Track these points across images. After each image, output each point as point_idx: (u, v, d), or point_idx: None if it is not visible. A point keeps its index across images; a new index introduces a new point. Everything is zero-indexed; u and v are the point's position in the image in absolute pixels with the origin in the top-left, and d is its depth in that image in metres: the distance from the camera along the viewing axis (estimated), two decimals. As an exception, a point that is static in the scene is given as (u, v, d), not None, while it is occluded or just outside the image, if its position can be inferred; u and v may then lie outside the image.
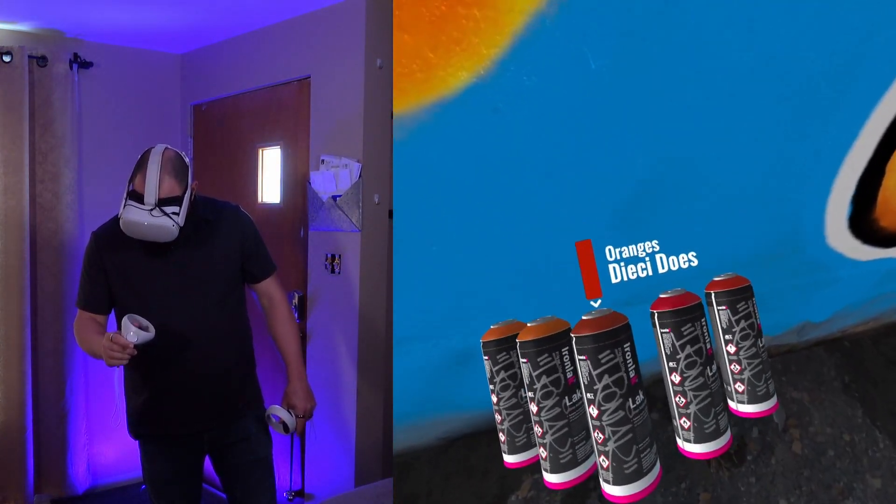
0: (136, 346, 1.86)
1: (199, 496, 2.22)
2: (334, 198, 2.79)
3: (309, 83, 2.97)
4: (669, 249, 1.17)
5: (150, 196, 1.90)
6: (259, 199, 3.33)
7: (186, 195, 1.97)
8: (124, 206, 1.92)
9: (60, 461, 3.49)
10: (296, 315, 3.04)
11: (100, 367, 3.59)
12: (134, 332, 1.87)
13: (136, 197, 1.91)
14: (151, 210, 1.90)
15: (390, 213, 2.83)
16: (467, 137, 1.16)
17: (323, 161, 2.85)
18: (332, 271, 2.86)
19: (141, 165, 1.95)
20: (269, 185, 3.30)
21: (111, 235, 2.04)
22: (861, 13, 1.15)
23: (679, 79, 1.15)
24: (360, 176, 2.71)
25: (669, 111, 1.16)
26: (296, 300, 3.03)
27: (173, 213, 1.92)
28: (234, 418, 2.16)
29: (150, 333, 1.89)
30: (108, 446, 3.67)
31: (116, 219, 1.98)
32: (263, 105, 3.29)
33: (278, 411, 2.16)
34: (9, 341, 3.31)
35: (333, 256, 2.85)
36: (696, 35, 1.15)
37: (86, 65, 3.49)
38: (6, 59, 3.23)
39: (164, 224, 1.91)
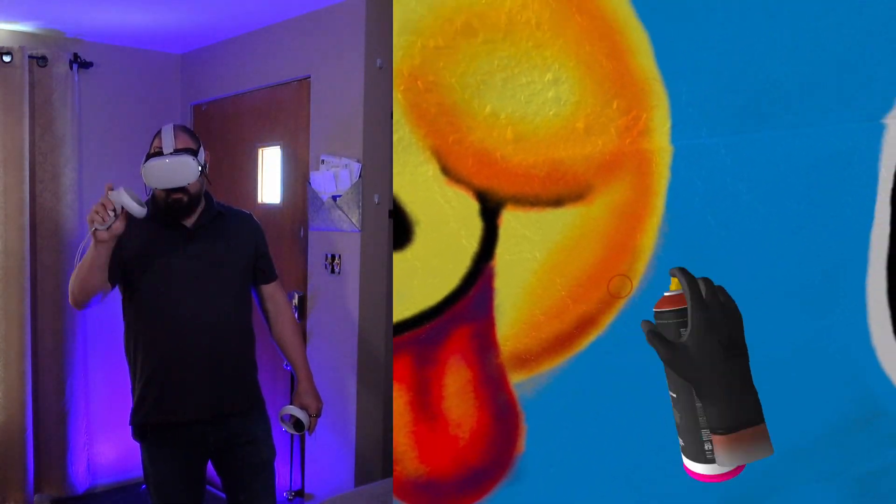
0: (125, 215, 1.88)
1: (202, 499, 2.21)
2: (334, 198, 2.79)
3: (309, 83, 2.97)
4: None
5: (168, 147, 2.00)
6: (259, 199, 3.33)
7: (201, 153, 2.07)
8: (143, 165, 2.00)
9: (60, 461, 3.49)
10: (296, 315, 3.04)
11: (100, 368, 3.60)
12: (125, 191, 1.87)
13: (155, 153, 2.01)
14: (170, 155, 1.99)
15: (390, 213, 2.83)
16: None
17: (323, 161, 2.85)
18: (332, 271, 2.86)
19: (156, 135, 2.06)
20: (269, 185, 3.30)
21: (133, 221, 2.08)
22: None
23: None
24: (360, 176, 2.71)
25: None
26: (296, 300, 3.03)
27: (193, 157, 2.02)
28: (238, 415, 2.16)
29: (142, 208, 1.89)
30: (108, 446, 3.68)
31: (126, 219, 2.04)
32: (263, 105, 3.29)
33: (293, 410, 2.21)
34: (9, 341, 3.31)
35: (333, 256, 2.85)
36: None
37: (86, 65, 3.49)
38: (6, 59, 3.23)
39: (185, 160, 2.00)
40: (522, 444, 1.20)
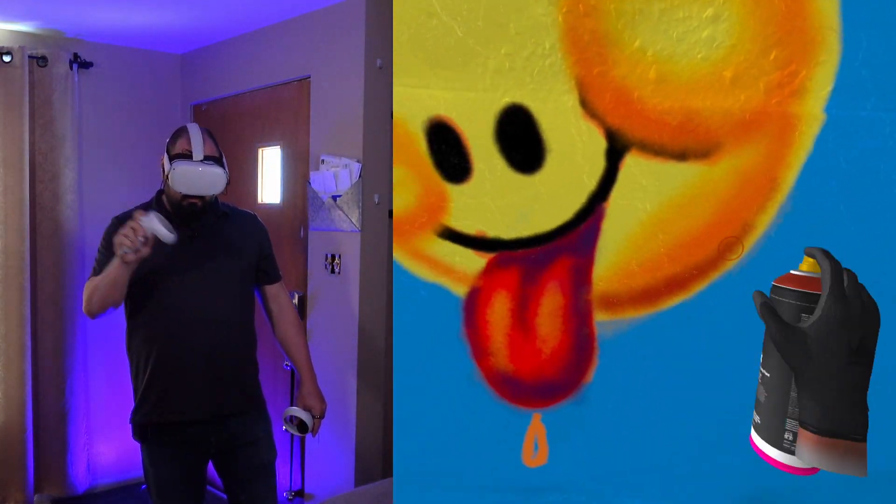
0: (149, 241, 1.88)
1: (202, 500, 2.21)
2: (334, 198, 2.79)
3: (309, 83, 2.97)
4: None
5: (198, 153, 2.02)
6: (259, 199, 3.33)
7: (224, 162, 2.10)
8: (171, 166, 2.01)
9: (60, 461, 3.49)
10: (296, 315, 3.05)
11: (100, 368, 3.60)
12: (157, 218, 1.88)
13: (183, 155, 2.02)
14: (201, 162, 2.02)
15: (390, 213, 2.83)
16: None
17: (323, 161, 2.85)
18: (332, 271, 2.86)
19: (181, 133, 2.07)
20: (269, 185, 3.31)
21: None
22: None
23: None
24: (360, 176, 2.71)
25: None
26: (296, 300, 3.03)
27: (223, 168, 2.05)
28: (239, 415, 2.16)
29: (171, 235, 1.90)
30: (108, 446, 3.68)
31: (138, 206, 2.10)
32: (263, 105, 3.29)
33: (297, 412, 2.21)
34: (9, 341, 3.31)
35: (333, 256, 2.85)
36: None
37: (86, 65, 3.49)
38: (6, 59, 3.23)
39: (216, 171, 2.03)
40: (591, 374, 1.25)
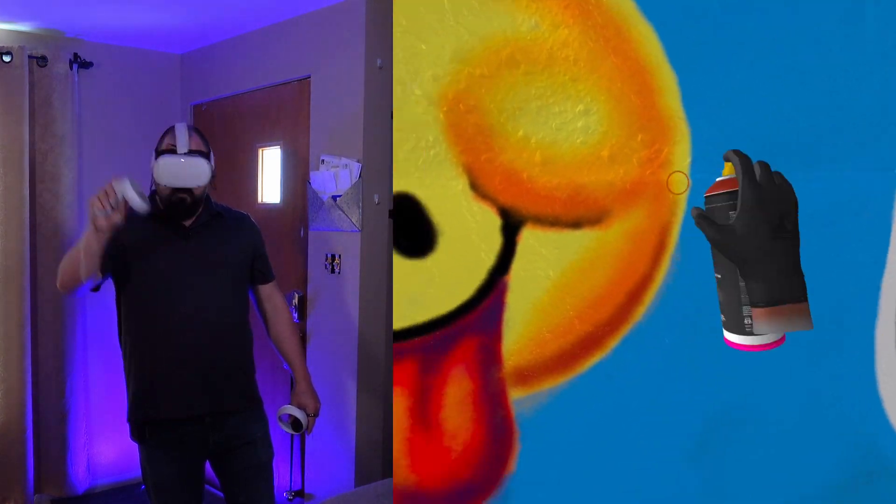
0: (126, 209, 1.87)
1: (201, 500, 2.21)
2: (334, 198, 2.78)
3: (309, 83, 2.97)
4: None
5: (183, 147, 2.03)
6: (259, 199, 3.33)
7: (212, 157, 2.10)
8: (155, 161, 2.03)
9: (60, 461, 3.49)
10: (295, 315, 3.04)
11: (100, 367, 3.60)
12: (130, 184, 1.86)
13: (168, 150, 2.03)
14: (185, 154, 2.02)
15: (390, 213, 2.83)
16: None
17: (323, 161, 2.85)
18: (332, 271, 2.86)
19: (168, 131, 2.08)
20: (269, 185, 3.31)
21: (133, 214, 2.09)
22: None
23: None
24: (360, 176, 2.71)
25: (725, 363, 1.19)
26: (296, 300, 3.03)
27: (207, 161, 2.05)
28: (236, 414, 2.16)
29: (144, 204, 1.88)
30: (108, 446, 3.68)
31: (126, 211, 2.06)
32: (263, 105, 3.29)
33: (292, 410, 2.21)
34: (9, 341, 3.31)
35: (333, 256, 2.85)
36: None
37: (86, 65, 3.49)
38: (6, 59, 3.23)
39: (199, 162, 2.03)
40: (514, 464, 1.22)
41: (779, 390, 1.17)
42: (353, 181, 2.72)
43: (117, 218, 1.87)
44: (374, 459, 2.83)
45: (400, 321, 1.22)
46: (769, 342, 1.09)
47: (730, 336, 1.12)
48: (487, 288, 1.21)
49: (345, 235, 2.80)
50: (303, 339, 3.00)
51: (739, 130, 1.16)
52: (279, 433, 2.37)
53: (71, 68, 3.41)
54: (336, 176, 2.78)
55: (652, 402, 1.19)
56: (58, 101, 3.38)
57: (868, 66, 1.14)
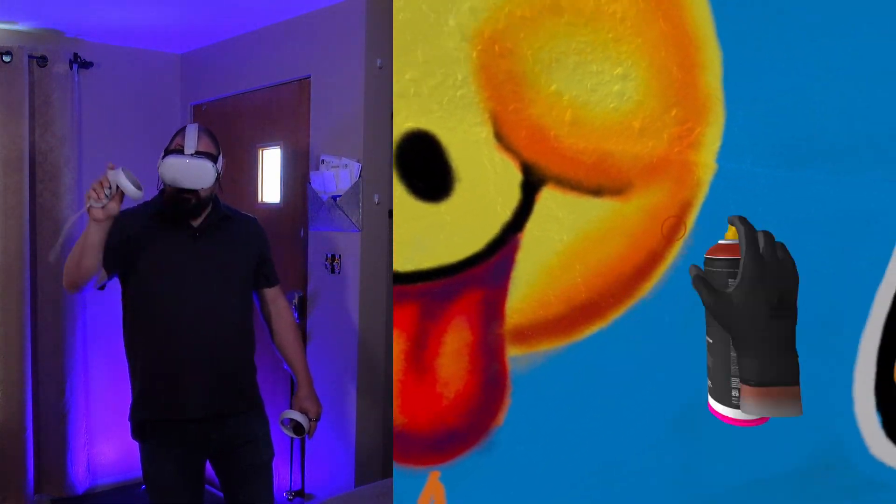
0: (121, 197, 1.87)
1: (201, 500, 2.21)
2: (334, 198, 2.79)
3: (309, 83, 2.97)
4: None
5: (190, 148, 2.03)
6: (259, 199, 3.33)
7: (220, 160, 2.10)
8: (162, 160, 2.03)
9: (60, 461, 3.49)
10: (296, 315, 3.04)
11: (100, 367, 3.60)
12: (123, 172, 1.86)
13: (176, 150, 2.03)
14: (191, 155, 2.02)
15: (390, 213, 2.83)
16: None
17: (323, 161, 2.85)
18: (332, 271, 2.86)
19: (179, 131, 2.09)
20: (269, 185, 3.31)
21: (141, 213, 2.12)
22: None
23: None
24: (360, 176, 2.71)
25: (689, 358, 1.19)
26: (296, 300, 3.03)
27: (212, 163, 2.04)
28: (237, 415, 2.16)
29: (138, 191, 1.88)
30: (108, 446, 3.68)
31: (144, 204, 2.12)
32: (263, 105, 3.29)
33: (293, 414, 2.22)
34: (9, 341, 3.31)
35: (333, 256, 2.85)
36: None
37: (86, 65, 3.49)
38: (6, 59, 3.23)
39: (204, 164, 2.02)
40: (502, 417, 1.21)
41: None
42: (353, 181, 2.72)
43: (113, 207, 1.87)
44: (374, 459, 2.83)
45: (404, 264, 1.19)
46: (754, 418, 1.07)
47: (715, 405, 1.10)
48: (499, 243, 1.19)
49: (345, 235, 2.80)
50: (303, 340, 3.00)
51: (773, 125, 1.15)
52: (280, 434, 2.37)
53: (71, 68, 3.41)
54: (336, 176, 2.78)
55: (643, 375, 1.19)
56: (58, 101, 3.39)
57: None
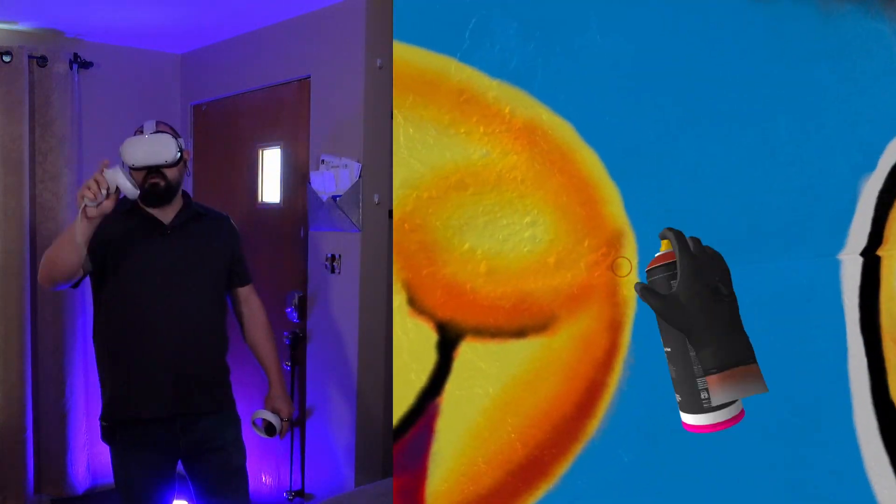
0: (115, 196, 1.88)
1: (171, 501, 2.20)
2: (334, 198, 2.78)
3: (309, 83, 2.97)
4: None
5: (149, 129, 2.09)
6: (259, 199, 3.33)
7: (181, 141, 2.11)
8: (122, 145, 2.06)
9: (60, 461, 3.49)
10: (295, 315, 3.04)
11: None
12: (121, 171, 1.87)
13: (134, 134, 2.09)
14: (150, 133, 2.07)
15: (390, 213, 2.83)
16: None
17: (323, 161, 2.85)
18: (332, 271, 2.86)
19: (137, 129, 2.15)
20: (269, 185, 3.30)
21: (112, 211, 2.07)
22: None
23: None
24: (360, 176, 2.71)
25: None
26: (296, 300, 3.03)
27: (174, 138, 2.07)
28: (207, 415, 2.14)
29: (135, 189, 1.89)
30: (108, 447, 3.67)
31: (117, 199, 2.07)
32: (263, 105, 3.29)
33: (265, 415, 2.20)
34: (9, 341, 3.31)
35: (333, 256, 2.85)
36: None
37: (86, 65, 3.49)
38: (6, 59, 3.23)
39: (165, 138, 2.04)
40: None
41: (761, 491, 1.13)
42: (353, 181, 2.72)
43: (108, 206, 1.86)
44: (374, 459, 2.83)
45: None
46: (727, 418, 1.08)
47: (687, 418, 1.10)
48: (415, 414, 1.15)
49: (345, 235, 2.80)
50: (303, 340, 3.00)
51: (688, 230, 1.17)
52: (253, 436, 2.36)
53: (71, 68, 3.41)
54: (336, 176, 2.78)
55: None
56: (58, 101, 3.38)
57: (795, 156, 1.17)
